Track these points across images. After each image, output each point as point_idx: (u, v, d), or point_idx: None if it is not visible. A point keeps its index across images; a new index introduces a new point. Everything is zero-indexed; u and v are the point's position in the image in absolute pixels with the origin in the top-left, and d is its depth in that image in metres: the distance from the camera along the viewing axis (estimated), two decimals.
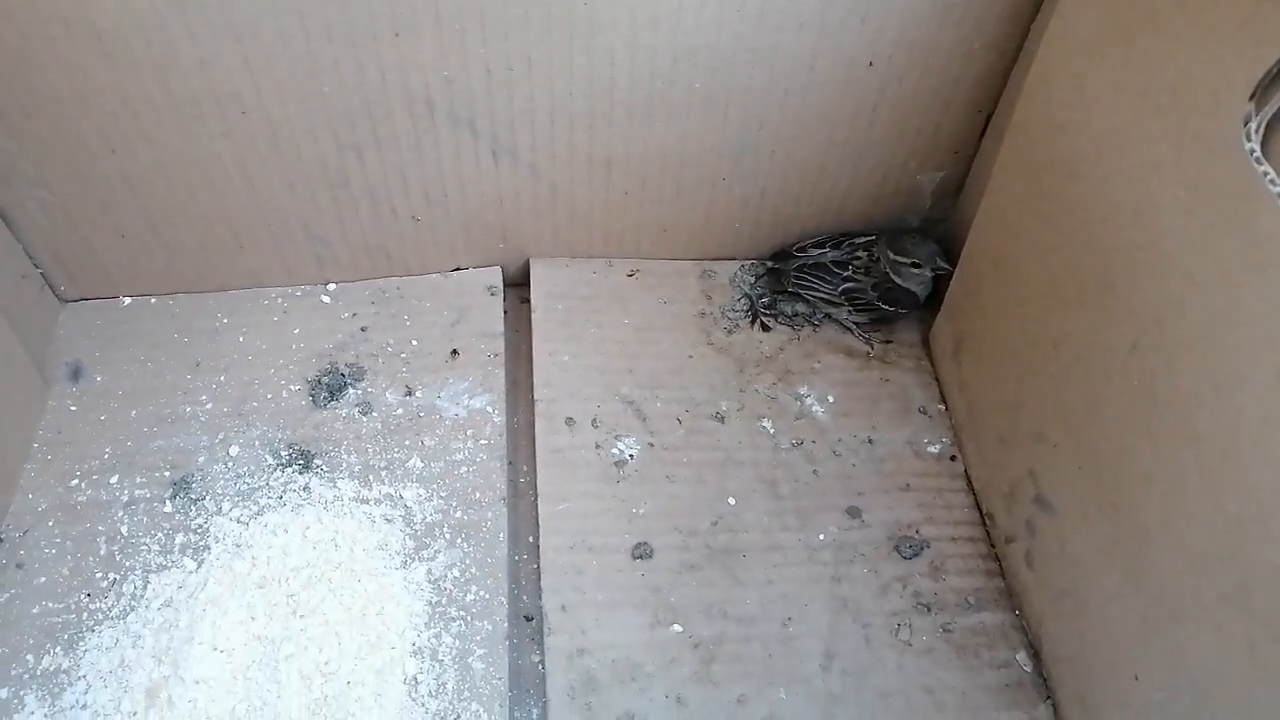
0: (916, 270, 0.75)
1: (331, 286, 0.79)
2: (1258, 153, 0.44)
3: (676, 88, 0.67)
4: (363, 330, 0.77)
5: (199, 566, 0.65)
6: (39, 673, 0.61)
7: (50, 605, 0.63)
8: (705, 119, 0.69)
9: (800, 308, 0.78)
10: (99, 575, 0.65)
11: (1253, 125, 0.44)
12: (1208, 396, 0.46)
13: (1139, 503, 0.52)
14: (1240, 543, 0.45)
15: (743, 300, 0.80)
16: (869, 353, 0.78)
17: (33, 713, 0.59)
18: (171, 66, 0.61)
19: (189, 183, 0.69)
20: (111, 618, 0.63)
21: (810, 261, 0.77)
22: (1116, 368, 0.54)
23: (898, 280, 0.75)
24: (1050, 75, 0.60)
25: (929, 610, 0.66)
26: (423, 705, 0.60)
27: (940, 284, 0.76)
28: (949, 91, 0.69)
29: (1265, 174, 0.43)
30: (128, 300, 0.77)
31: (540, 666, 0.63)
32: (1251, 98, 0.44)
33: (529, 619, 0.65)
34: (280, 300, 0.78)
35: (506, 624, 0.64)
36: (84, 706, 0.59)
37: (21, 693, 0.60)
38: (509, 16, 0.61)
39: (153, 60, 0.61)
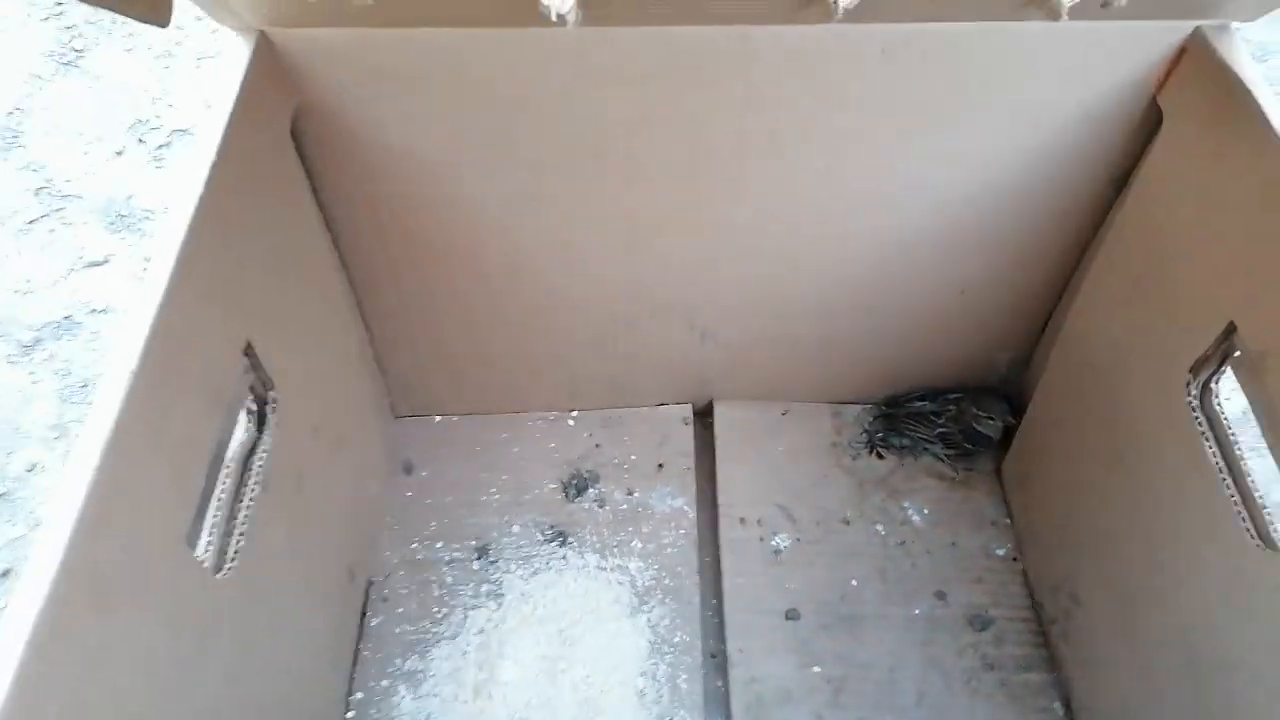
0: (991, 422, 1.04)
1: (575, 413, 1.13)
2: (1194, 403, 0.73)
3: (828, 305, 0.99)
4: (597, 446, 1.10)
5: (499, 608, 0.99)
6: (404, 671, 0.95)
7: (407, 628, 0.98)
8: (843, 321, 1.01)
9: (905, 443, 1.09)
10: (435, 610, 0.99)
11: (1192, 386, 0.73)
12: (1177, 547, 0.75)
13: (1133, 607, 0.81)
14: (1190, 640, 0.73)
15: (863, 436, 1.10)
16: (955, 479, 1.07)
17: (404, 697, 0.93)
18: (515, 278, 0.95)
19: (494, 346, 1.04)
20: (446, 638, 0.97)
21: (914, 411, 1.08)
22: (1121, 523, 0.83)
23: (977, 428, 1.05)
24: (1085, 309, 0.90)
25: (992, 669, 0.94)
26: (648, 710, 0.92)
27: (1011, 431, 1.05)
28: (1018, 302, 0.99)
29: (1196, 418, 0.72)
30: (438, 419, 1.13)
31: (724, 689, 0.94)
32: (1190, 370, 0.72)
33: (714, 656, 0.97)
34: (541, 422, 1.12)
35: (701, 659, 0.95)
36: (435, 695, 0.93)
37: (396, 685, 0.94)
38: (724, 278, 0.95)
39: (497, 270, 0.94)
